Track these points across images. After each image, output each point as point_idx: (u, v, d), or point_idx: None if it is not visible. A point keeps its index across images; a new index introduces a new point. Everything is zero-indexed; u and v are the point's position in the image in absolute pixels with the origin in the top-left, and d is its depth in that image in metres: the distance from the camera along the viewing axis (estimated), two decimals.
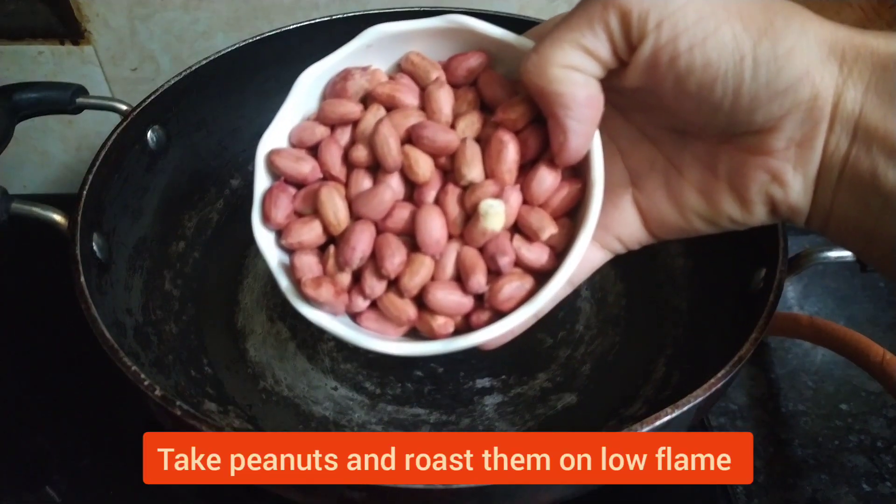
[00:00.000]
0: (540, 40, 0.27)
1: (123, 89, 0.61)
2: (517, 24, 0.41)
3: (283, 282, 0.30)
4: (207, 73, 0.51)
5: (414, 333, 0.31)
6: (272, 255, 0.31)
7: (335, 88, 0.32)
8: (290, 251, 0.31)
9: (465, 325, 0.30)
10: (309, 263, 0.30)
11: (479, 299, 0.30)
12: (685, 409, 0.34)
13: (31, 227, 0.42)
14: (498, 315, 0.30)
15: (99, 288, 0.42)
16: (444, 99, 0.31)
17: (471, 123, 0.30)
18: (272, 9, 0.57)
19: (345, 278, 0.30)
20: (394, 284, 0.30)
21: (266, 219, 0.30)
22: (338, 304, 0.29)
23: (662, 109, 0.29)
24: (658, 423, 0.33)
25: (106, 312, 0.40)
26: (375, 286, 0.29)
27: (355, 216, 0.30)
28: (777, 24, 0.25)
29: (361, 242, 0.29)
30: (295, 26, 0.53)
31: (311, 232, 0.30)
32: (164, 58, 0.59)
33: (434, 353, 0.30)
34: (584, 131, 0.28)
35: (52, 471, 0.47)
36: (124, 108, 0.48)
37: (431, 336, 0.30)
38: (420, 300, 0.30)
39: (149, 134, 0.49)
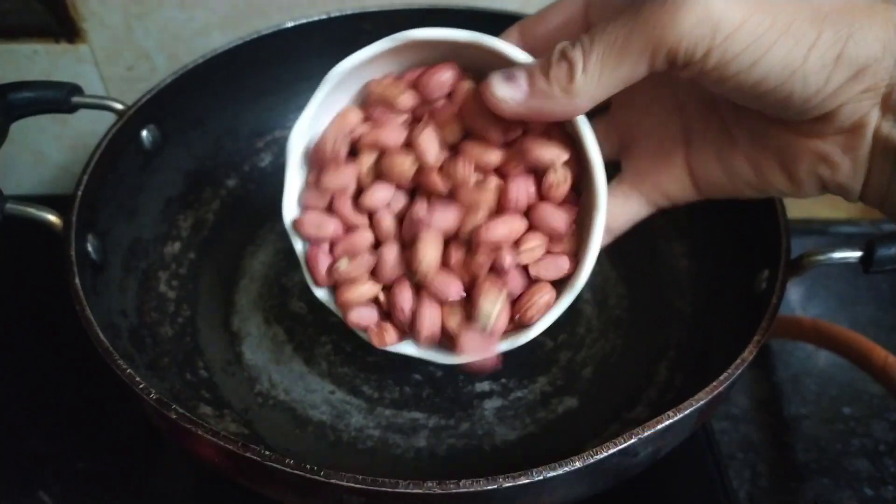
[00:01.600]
0: (588, 53, 0.26)
1: (119, 88, 0.60)
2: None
3: (363, 333, 0.35)
4: (204, 71, 0.50)
5: None
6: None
7: (320, 154, 0.33)
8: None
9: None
10: (366, 316, 0.34)
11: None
12: (687, 412, 0.33)
13: (25, 227, 0.41)
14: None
15: (94, 289, 0.42)
16: (429, 142, 0.32)
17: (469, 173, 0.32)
18: (269, 6, 0.56)
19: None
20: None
21: (317, 284, 0.34)
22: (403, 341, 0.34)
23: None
24: (660, 426, 0.33)
25: (100, 314, 0.39)
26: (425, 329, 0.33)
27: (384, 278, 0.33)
28: (825, 34, 0.25)
29: (406, 302, 0.33)
30: (292, 24, 0.52)
31: (359, 290, 0.33)
32: (160, 56, 0.59)
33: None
34: (519, 115, 0.29)
35: (47, 475, 0.46)
36: (120, 107, 0.47)
37: None
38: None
39: (144, 133, 0.49)
